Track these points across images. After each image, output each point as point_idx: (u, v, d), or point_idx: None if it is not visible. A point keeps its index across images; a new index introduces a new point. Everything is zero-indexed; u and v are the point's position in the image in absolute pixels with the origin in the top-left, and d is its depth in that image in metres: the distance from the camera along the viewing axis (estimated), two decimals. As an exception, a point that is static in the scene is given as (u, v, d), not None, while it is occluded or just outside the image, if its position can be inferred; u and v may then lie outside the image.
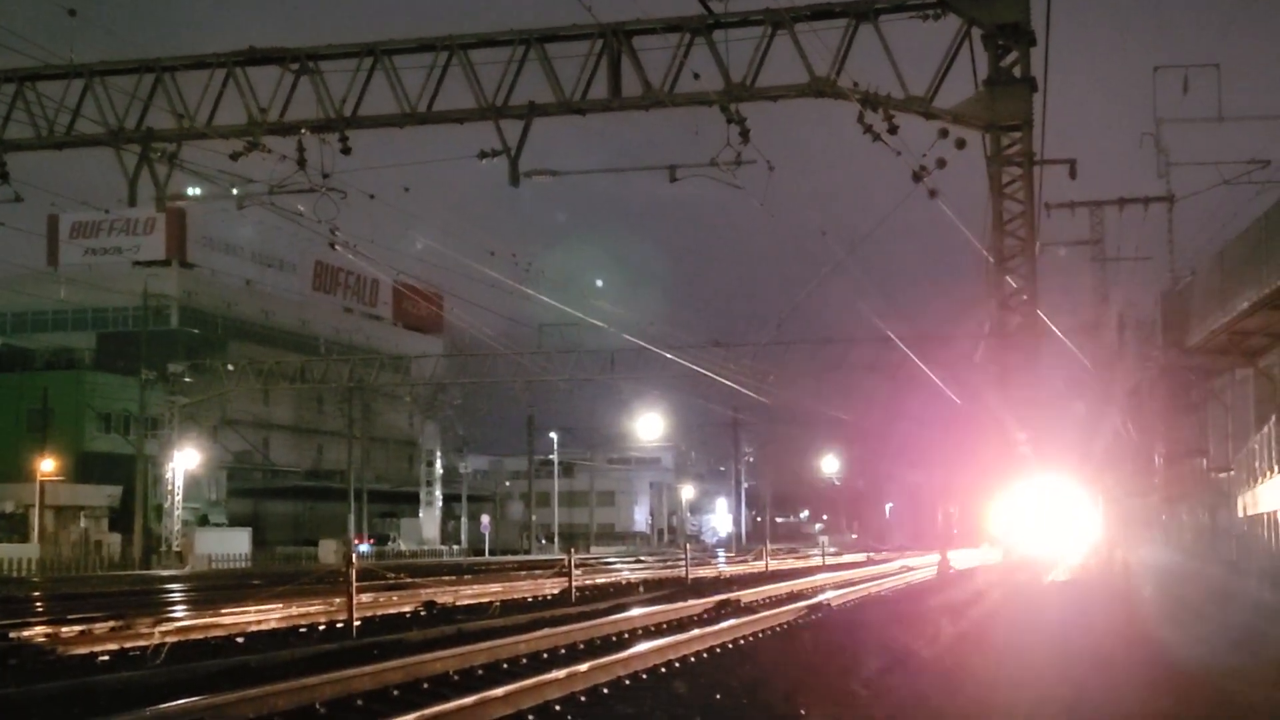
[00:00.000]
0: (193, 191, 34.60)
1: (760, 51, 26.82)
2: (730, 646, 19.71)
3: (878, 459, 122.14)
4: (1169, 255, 43.99)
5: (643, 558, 74.54)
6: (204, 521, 77.98)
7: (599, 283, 65.74)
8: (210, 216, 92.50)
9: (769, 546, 58.08)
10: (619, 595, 32.30)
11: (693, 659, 17.60)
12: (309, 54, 28.98)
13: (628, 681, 15.09)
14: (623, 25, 27.35)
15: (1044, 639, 17.61)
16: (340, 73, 28.96)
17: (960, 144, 25.46)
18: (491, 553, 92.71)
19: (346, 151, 28.91)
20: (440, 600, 28.44)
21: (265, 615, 23.93)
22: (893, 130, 25.72)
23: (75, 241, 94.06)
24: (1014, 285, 25.45)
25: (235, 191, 33.09)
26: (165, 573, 58.79)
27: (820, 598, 30.13)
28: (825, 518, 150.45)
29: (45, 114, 30.24)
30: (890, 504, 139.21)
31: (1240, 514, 35.90)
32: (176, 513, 69.64)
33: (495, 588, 34.45)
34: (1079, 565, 32.69)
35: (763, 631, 22.36)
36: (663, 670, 16.20)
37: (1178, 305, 39.98)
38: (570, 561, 32.38)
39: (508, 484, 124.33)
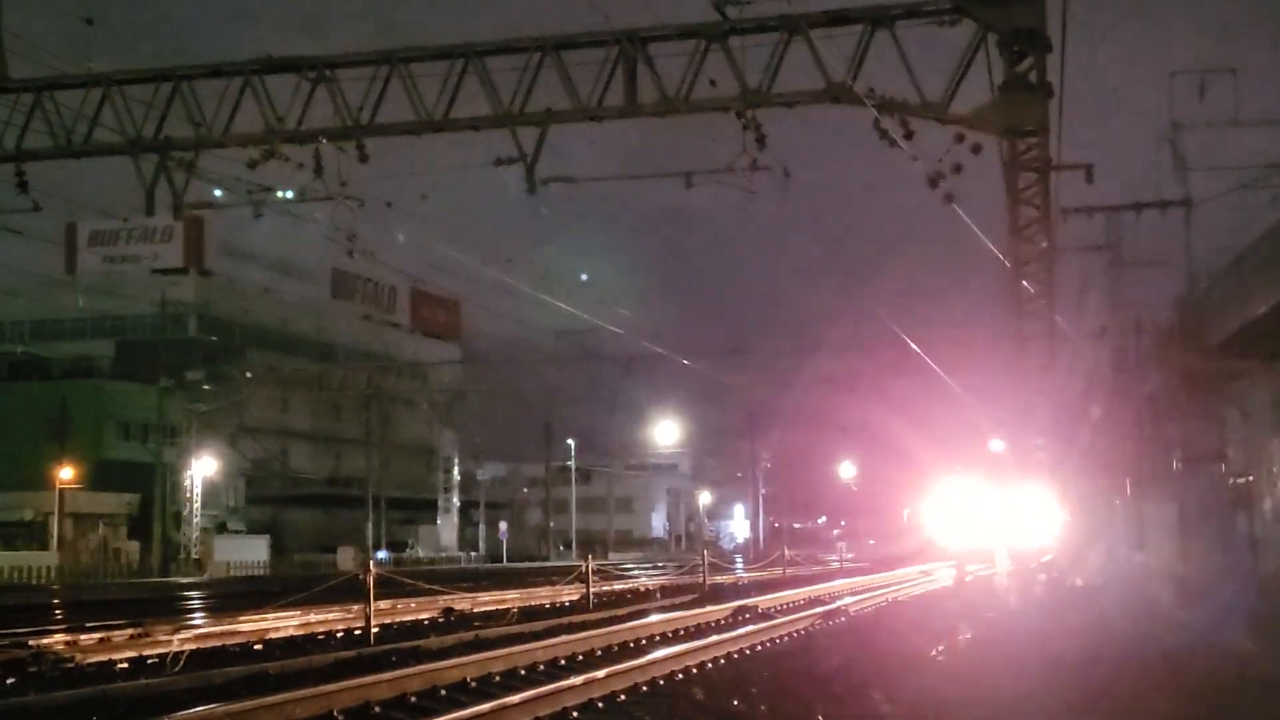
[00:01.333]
0: (215, 194, 34.70)
1: (776, 58, 26.80)
2: (749, 653, 19.70)
3: (895, 464, 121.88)
4: (1186, 260, 43.83)
5: (660, 564, 74.51)
6: (222, 529, 78.21)
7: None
8: (228, 224, 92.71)
9: (787, 552, 57.94)
10: (637, 601, 32.29)
11: (710, 665, 17.60)
12: (326, 63, 29.06)
13: (645, 688, 15.10)
14: (638, 32, 27.36)
15: (1057, 643, 17.56)
16: (357, 81, 29.04)
17: (976, 149, 25.44)
18: (509, 559, 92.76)
19: (364, 159, 29.00)
20: (458, 607, 28.48)
21: (283, 622, 23.98)
22: (908, 136, 25.71)
23: (93, 250, 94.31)
24: (1031, 290, 25.42)
25: (252, 199, 33.22)
26: (184, 580, 58.93)
27: (839, 603, 30.12)
28: (843, 523, 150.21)
29: (63, 123, 30.37)
30: (908, 510, 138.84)
31: (1260, 519, 35.76)
32: (195, 520, 69.83)
33: (513, 594, 34.46)
34: (1096, 570, 32.61)
35: (781, 638, 22.34)
36: (680, 677, 16.20)
37: (1195, 309, 39.86)
38: (588, 568, 32.38)
39: (525, 491, 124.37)
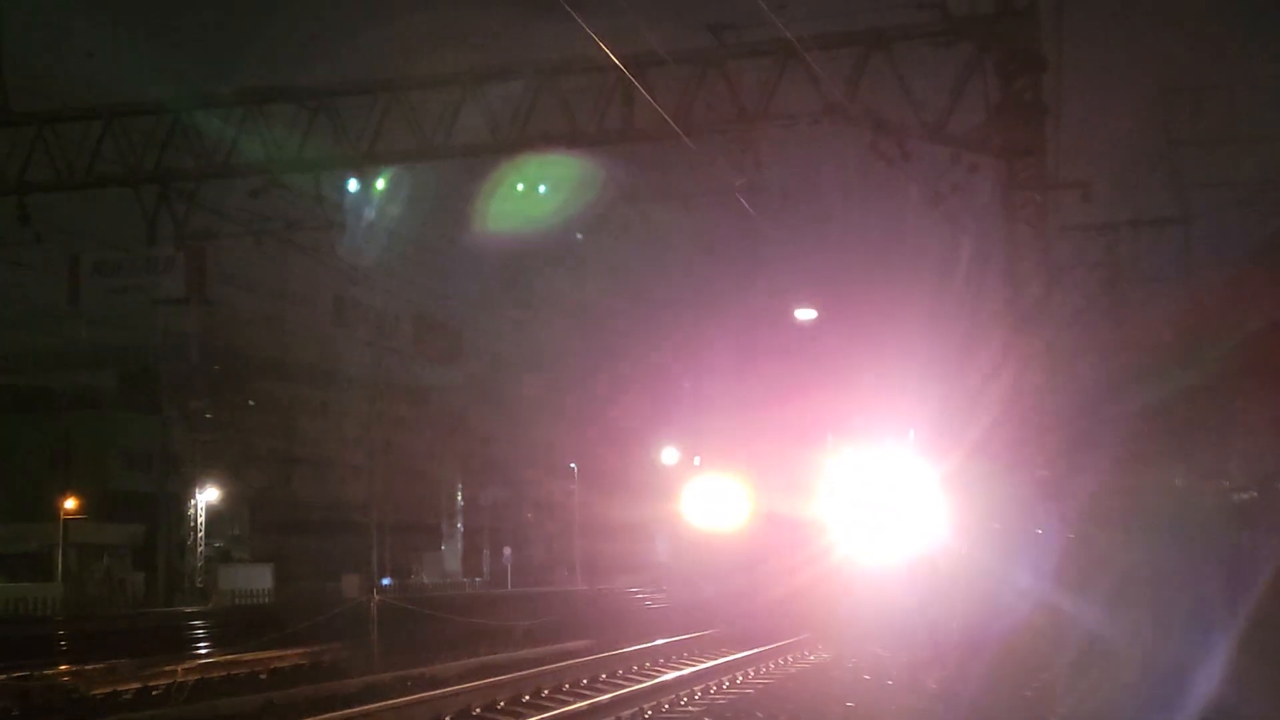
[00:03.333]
0: (216, 223, 34.89)
1: (773, 82, 26.78)
2: (755, 676, 19.70)
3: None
4: (1183, 277, 43.81)
5: (665, 586, 74.31)
6: (227, 558, 78.04)
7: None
8: (230, 253, 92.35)
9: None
10: (644, 625, 32.27)
11: (715, 690, 17.62)
12: (326, 91, 29.10)
13: (649, 713, 15.11)
14: (636, 58, 27.35)
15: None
16: (357, 109, 29.04)
17: (973, 169, 25.45)
18: (514, 585, 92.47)
19: (363, 187, 29.04)
20: (462, 632, 28.48)
21: (287, 651, 23.99)
22: (905, 157, 25.72)
23: (96, 281, 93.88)
24: (1028, 309, 25.40)
25: (254, 228, 33.31)
26: (188, 610, 58.81)
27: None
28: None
29: (65, 155, 30.39)
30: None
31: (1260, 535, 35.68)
32: (200, 550, 69.74)
33: (518, 620, 34.44)
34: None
35: (789, 660, 22.34)
36: (685, 701, 16.22)
37: (1192, 326, 39.86)
38: (592, 593, 32.36)
39: (529, 516, 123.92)
